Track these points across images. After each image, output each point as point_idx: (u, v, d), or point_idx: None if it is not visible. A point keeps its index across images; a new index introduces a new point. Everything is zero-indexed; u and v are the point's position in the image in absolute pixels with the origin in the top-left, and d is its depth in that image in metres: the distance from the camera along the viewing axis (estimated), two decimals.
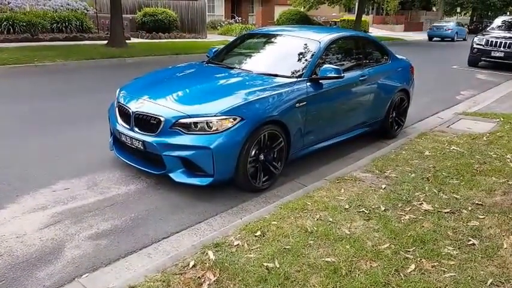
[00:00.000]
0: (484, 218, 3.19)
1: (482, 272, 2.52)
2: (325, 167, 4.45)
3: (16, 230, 2.94)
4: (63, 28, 14.95)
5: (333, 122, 4.58)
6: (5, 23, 13.28)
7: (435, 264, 2.58)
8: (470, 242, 2.85)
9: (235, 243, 2.71)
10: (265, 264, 2.49)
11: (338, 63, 4.64)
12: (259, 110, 3.60)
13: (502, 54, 12.83)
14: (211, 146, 3.33)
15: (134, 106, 3.70)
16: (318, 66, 4.24)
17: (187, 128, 3.42)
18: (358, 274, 2.45)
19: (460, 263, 2.60)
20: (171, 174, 3.53)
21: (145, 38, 17.31)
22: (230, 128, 3.39)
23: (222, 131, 3.38)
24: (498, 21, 15.06)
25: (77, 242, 2.86)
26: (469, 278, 2.46)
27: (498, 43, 12.89)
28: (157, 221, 3.19)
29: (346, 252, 2.65)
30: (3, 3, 15.17)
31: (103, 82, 8.69)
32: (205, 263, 2.49)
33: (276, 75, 4.13)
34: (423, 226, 3.04)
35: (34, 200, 3.39)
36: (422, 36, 32.21)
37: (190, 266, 2.46)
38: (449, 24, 29.97)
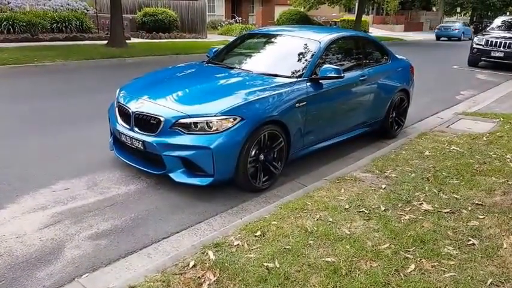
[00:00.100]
0: (484, 218, 3.20)
1: (482, 272, 2.52)
2: (325, 167, 4.45)
3: (16, 230, 2.94)
4: (63, 28, 14.96)
5: (333, 122, 4.58)
6: (5, 23, 13.28)
7: (435, 264, 2.58)
8: (470, 242, 2.85)
9: (235, 243, 2.71)
10: (265, 264, 2.49)
11: (338, 63, 4.64)
12: (259, 110, 3.60)
13: (501, 54, 12.83)
14: (211, 146, 3.33)
15: (134, 106, 3.70)
16: (318, 66, 4.24)
17: (187, 128, 3.42)
18: (358, 274, 2.45)
19: (460, 263, 2.60)
20: (171, 174, 3.53)
21: (146, 38, 17.31)
22: (230, 128, 3.39)
23: (222, 131, 3.38)
24: (498, 21, 15.07)
25: (77, 242, 2.86)
26: (469, 277, 2.46)
27: (498, 43, 12.89)
28: (157, 221, 3.19)
29: (346, 252, 2.65)
30: (3, 3, 15.17)
31: (103, 82, 8.69)
32: (205, 263, 2.49)
33: (276, 75, 4.13)
34: (423, 226, 3.04)
35: (34, 200, 3.39)
36: (422, 36, 32.33)
37: (190, 266, 2.46)
38: (456, 24, 31.49)
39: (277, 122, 3.72)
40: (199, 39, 18.64)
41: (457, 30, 29.97)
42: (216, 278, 2.36)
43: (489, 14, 42.52)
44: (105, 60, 11.07)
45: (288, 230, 2.89)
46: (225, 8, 30.47)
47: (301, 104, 3.94)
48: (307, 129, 4.09)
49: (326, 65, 4.21)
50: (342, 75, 4.14)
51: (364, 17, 30.82)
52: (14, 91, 7.48)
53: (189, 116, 3.43)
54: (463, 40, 28.88)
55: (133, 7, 19.42)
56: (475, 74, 12.47)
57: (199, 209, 3.41)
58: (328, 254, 2.63)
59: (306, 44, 4.54)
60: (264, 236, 2.81)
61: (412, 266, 2.54)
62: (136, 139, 3.61)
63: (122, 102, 3.87)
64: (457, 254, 2.71)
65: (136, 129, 3.65)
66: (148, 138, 3.52)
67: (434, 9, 49.72)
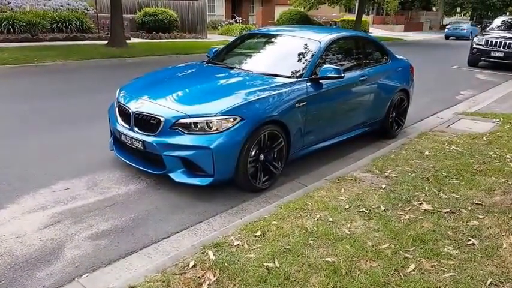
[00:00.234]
0: (483, 218, 3.20)
1: (481, 272, 2.52)
2: (325, 167, 4.45)
3: (16, 230, 2.94)
4: (63, 28, 14.95)
5: (333, 122, 4.58)
6: (5, 22, 13.27)
7: (435, 264, 2.59)
8: (470, 242, 2.85)
9: (235, 243, 2.71)
10: (265, 264, 2.49)
11: (338, 63, 4.64)
12: (259, 110, 3.60)
13: (501, 54, 12.83)
14: (212, 146, 3.33)
15: (134, 106, 3.70)
16: (318, 66, 4.24)
17: (188, 128, 3.43)
18: (358, 274, 2.45)
19: (459, 263, 2.60)
20: (171, 174, 3.53)
21: (146, 38, 17.30)
22: (230, 128, 3.39)
23: (222, 131, 3.38)
24: (498, 21, 15.08)
25: (77, 242, 2.86)
26: (469, 277, 2.47)
27: (498, 43, 12.89)
28: (157, 221, 3.19)
29: (346, 252, 2.65)
30: (3, 3, 15.17)
31: (103, 82, 8.69)
32: (205, 263, 2.49)
33: (276, 75, 4.14)
34: (423, 226, 3.04)
35: (34, 200, 3.39)
36: (422, 36, 32.42)
37: (190, 266, 2.46)
38: (465, 25, 33.15)
39: (277, 122, 3.72)
40: (200, 39, 18.64)
41: (465, 30, 31.27)
42: (216, 278, 2.36)
43: (489, 14, 42.54)
44: (105, 60, 11.07)
45: (288, 230, 2.89)
46: (225, 8, 30.47)
47: (301, 104, 3.94)
48: (307, 129, 4.09)
49: (326, 65, 4.21)
50: (342, 75, 4.14)
51: (364, 17, 30.84)
52: (14, 91, 7.48)
53: (189, 116, 3.43)
54: (471, 39, 29.40)
55: (133, 7, 19.41)
56: (475, 74, 12.47)
57: (199, 209, 3.41)
58: (328, 254, 2.63)
59: (306, 44, 4.54)
60: (264, 236, 2.81)
61: (412, 266, 2.55)
62: (137, 139, 3.61)
63: (122, 102, 3.87)
64: (457, 253, 2.71)
65: (136, 129, 3.65)
66: (149, 138, 3.52)
67: (434, 9, 49.73)
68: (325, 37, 4.61)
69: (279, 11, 29.93)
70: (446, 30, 32.94)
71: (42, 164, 4.11)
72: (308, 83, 4.09)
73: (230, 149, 3.40)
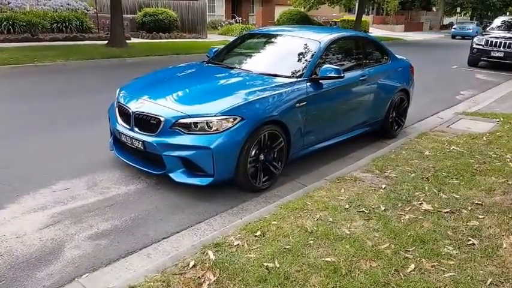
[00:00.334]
0: (483, 218, 3.20)
1: (481, 272, 2.53)
2: (325, 167, 4.45)
3: (16, 230, 2.94)
4: (63, 28, 14.96)
5: (333, 122, 4.58)
6: (5, 23, 13.28)
7: (435, 264, 2.59)
8: (470, 242, 2.85)
9: (235, 243, 2.71)
10: (265, 264, 2.49)
11: (338, 63, 4.64)
12: (259, 110, 3.60)
13: (501, 54, 12.83)
14: (212, 146, 3.33)
15: (134, 106, 3.70)
16: (318, 66, 4.24)
17: (188, 128, 3.43)
18: (358, 274, 2.45)
19: (459, 263, 2.60)
20: (171, 174, 3.53)
21: (146, 38, 17.31)
22: (230, 128, 3.39)
23: (222, 131, 3.38)
24: (498, 21, 15.07)
25: (77, 242, 2.86)
26: (469, 277, 2.47)
27: (498, 43, 12.89)
28: (157, 221, 3.19)
29: (346, 252, 2.65)
30: (3, 3, 15.19)
31: (103, 82, 8.69)
32: (205, 263, 2.49)
33: (276, 75, 4.14)
34: (423, 226, 3.04)
35: (34, 200, 3.39)
36: (422, 36, 32.51)
37: (190, 266, 2.47)
38: (470, 25, 35.10)
39: (277, 122, 3.72)
40: (200, 39, 18.64)
41: (471, 30, 32.59)
42: (216, 278, 2.36)
43: (489, 14, 42.56)
44: (105, 60, 11.07)
45: (288, 230, 2.89)
46: (225, 8, 30.47)
47: (301, 104, 3.94)
48: (307, 129, 4.09)
49: (326, 65, 4.21)
50: (342, 75, 4.14)
51: (364, 17, 30.85)
52: (14, 91, 7.48)
53: (189, 116, 3.43)
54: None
55: (133, 7, 19.42)
56: (475, 74, 12.47)
57: (199, 209, 3.41)
58: (328, 254, 2.63)
59: (306, 44, 4.54)
60: (264, 236, 2.81)
61: (412, 266, 2.55)
62: (137, 139, 3.61)
63: (122, 102, 3.87)
64: (456, 253, 2.71)
65: (136, 129, 3.65)
66: (149, 138, 3.52)
67: (434, 9, 49.72)
68: (325, 37, 4.61)
69: (279, 11, 29.93)
70: (452, 29, 35.07)
71: (42, 164, 4.11)
72: (308, 83, 4.09)
73: (230, 149, 3.40)
